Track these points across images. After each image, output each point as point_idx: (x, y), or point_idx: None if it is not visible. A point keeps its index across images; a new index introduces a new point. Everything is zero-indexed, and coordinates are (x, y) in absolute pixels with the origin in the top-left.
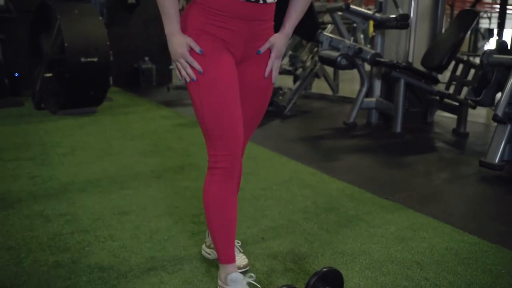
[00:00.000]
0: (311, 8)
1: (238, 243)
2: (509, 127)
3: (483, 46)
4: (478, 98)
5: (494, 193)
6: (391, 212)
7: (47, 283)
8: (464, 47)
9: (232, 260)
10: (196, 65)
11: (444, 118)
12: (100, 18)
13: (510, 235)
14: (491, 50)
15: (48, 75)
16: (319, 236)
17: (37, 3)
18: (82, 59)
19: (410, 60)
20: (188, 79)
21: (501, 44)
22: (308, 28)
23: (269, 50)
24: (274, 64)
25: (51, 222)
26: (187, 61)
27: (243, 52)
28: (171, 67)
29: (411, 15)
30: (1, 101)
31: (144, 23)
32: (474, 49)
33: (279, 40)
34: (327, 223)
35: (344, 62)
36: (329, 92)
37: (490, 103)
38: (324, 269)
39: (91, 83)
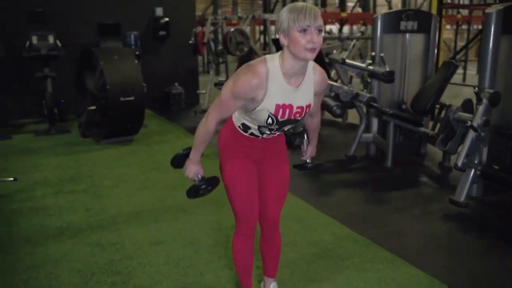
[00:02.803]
0: (319, 52)
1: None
2: (472, 171)
3: None
4: (445, 148)
5: (450, 230)
6: (359, 246)
7: None
8: None
9: (249, 286)
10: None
11: (436, 150)
12: (136, 61)
13: (445, 268)
14: (457, 107)
15: (92, 108)
16: (299, 265)
17: (82, 48)
18: (121, 99)
19: (405, 100)
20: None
21: (467, 102)
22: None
23: (284, 149)
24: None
25: (106, 250)
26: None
27: (262, 156)
28: (198, 91)
29: (406, 59)
30: (52, 128)
31: (174, 51)
32: None
33: (314, 151)
34: (308, 255)
35: (338, 111)
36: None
37: (455, 152)
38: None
39: (129, 118)
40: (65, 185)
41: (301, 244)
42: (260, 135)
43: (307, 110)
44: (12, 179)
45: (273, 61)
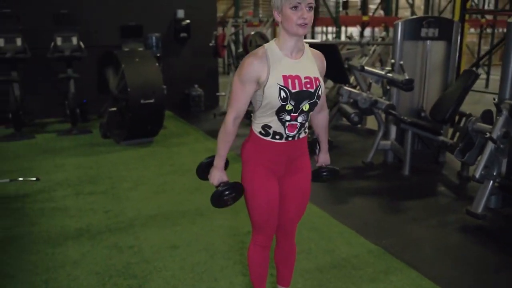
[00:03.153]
0: (339, 58)
1: None
2: (490, 182)
3: None
4: (464, 159)
5: (466, 242)
6: (374, 256)
7: None
8: None
9: None
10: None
11: (454, 158)
12: (157, 64)
13: (459, 281)
14: (476, 118)
15: (113, 109)
16: (313, 274)
17: (105, 49)
18: (142, 101)
19: (424, 107)
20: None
21: (486, 113)
22: (336, 73)
23: (308, 163)
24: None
25: (123, 253)
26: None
27: (285, 170)
28: (218, 93)
29: (426, 67)
30: (74, 129)
31: (194, 53)
32: None
33: (326, 157)
34: (322, 263)
35: (356, 118)
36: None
37: (473, 163)
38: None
39: (149, 120)
40: (85, 186)
41: (316, 253)
42: (282, 130)
43: (318, 84)
44: (34, 179)
45: (270, 43)
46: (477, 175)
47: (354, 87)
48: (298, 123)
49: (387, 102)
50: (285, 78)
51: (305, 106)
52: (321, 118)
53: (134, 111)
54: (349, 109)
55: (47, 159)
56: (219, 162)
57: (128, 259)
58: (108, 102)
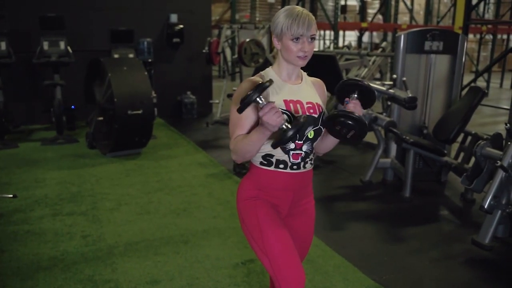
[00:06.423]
0: (337, 70)
1: None
2: (499, 212)
3: None
4: (471, 186)
5: (473, 279)
6: None
7: None
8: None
9: None
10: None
11: (458, 178)
12: (146, 73)
13: None
14: (485, 143)
15: (100, 118)
16: None
17: (94, 55)
18: (129, 112)
19: (426, 124)
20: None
21: (496, 137)
22: (334, 85)
23: (312, 204)
24: None
25: None
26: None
27: (288, 211)
28: (211, 101)
29: (430, 82)
30: (60, 137)
31: (188, 59)
32: None
33: None
34: None
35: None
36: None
37: (481, 190)
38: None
39: (136, 131)
40: (65, 206)
41: None
42: (286, 158)
43: (321, 110)
44: (11, 196)
45: (266, 70)
46: (486, 206)
47: None
48: (303, 152)
49: (388, 119)
50: (286, 102)
51: (310, 133)
52: (327, 138)
53: (121, 123)
54: None
55: (28, 172)
56: (261, 131)
57: None
58: (95, 111)
